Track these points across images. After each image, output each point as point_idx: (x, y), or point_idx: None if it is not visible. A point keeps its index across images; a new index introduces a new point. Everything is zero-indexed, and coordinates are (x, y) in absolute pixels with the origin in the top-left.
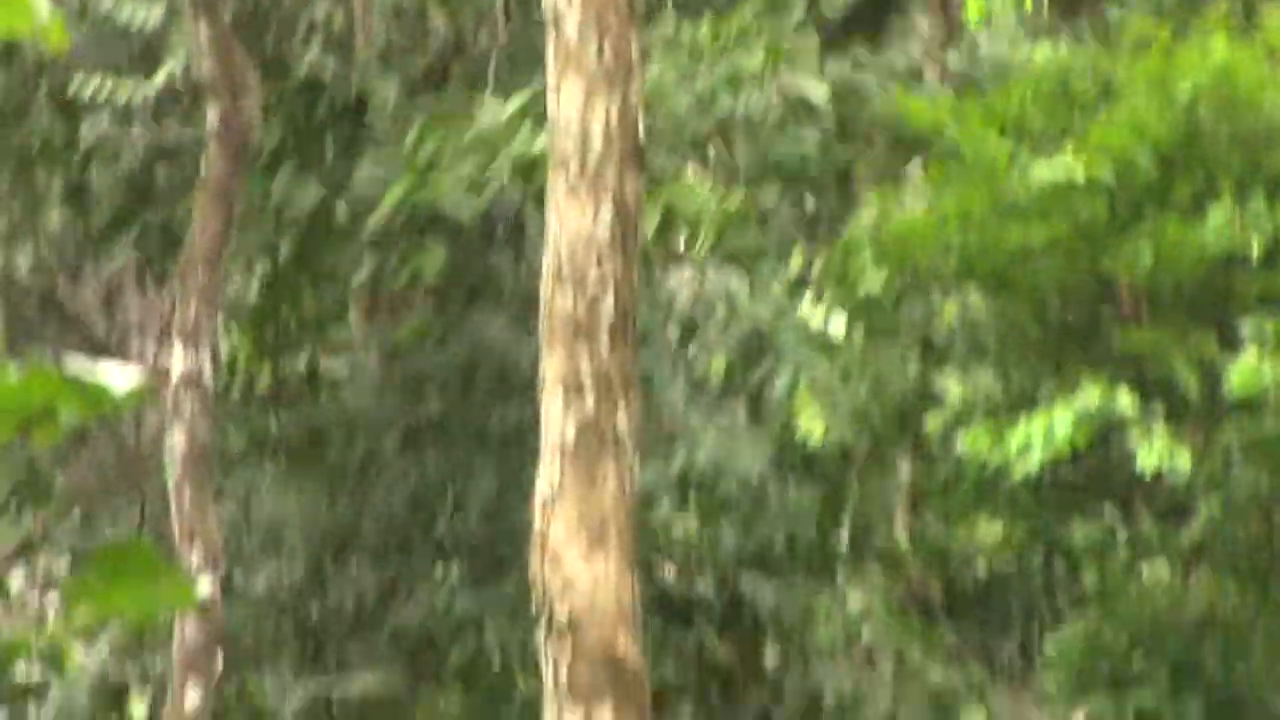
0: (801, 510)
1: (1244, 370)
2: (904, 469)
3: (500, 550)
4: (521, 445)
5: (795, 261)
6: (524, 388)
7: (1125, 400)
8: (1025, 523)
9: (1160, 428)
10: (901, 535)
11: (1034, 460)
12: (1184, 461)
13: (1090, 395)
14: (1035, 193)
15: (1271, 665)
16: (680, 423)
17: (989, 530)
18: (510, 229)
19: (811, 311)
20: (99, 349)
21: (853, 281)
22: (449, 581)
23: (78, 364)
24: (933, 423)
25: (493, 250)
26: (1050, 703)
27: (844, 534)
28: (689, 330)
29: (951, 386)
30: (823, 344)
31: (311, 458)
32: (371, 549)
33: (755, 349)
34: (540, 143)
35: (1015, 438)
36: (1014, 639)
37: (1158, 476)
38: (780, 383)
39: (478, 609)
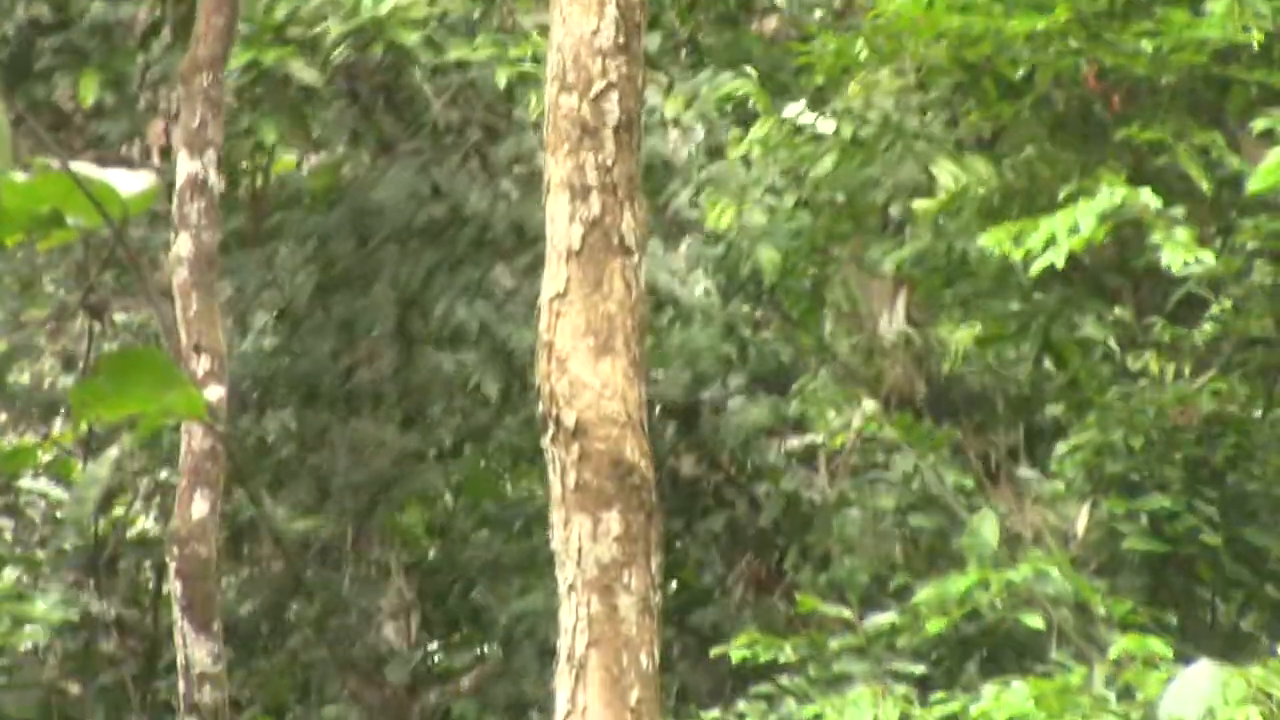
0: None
1: (1269, 167)
2: (887, 265)
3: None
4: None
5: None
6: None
7: (1149, 197)
8: (1028, 320)
9: (1182, 226)
10: (887, 332)
11: (1058, 257)
12: (1209, 257)
13: (1114, 192)
14: None
15: None
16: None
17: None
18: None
19: (797, 110)
20: (108, 159)
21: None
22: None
23: (85, 169)
24: (922, 210)
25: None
26: (1055, 505)
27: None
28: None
29: (944, 170)
30: (812, 138)
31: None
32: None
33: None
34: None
35: (1039, 232)
36: (1003, 442)
37: (1156, 275)
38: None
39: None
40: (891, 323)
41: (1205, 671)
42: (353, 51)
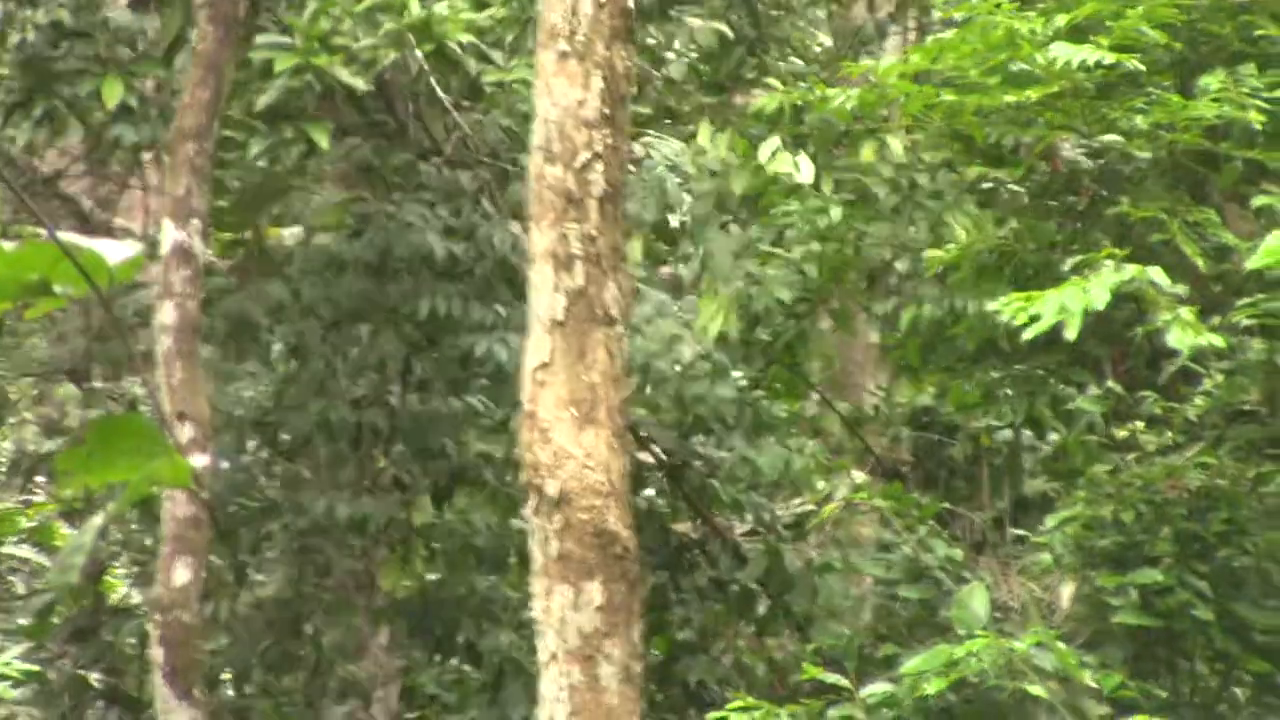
0: (741, 383)
1: (1272, 247)
2: (871, 330)
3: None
4: (446, 334)
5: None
6: (441, 276)
7: (1158, 274)
8: (1001, 383)
9: (1185, 306)
10: (870, 400)
11: (1073, 330)
12: (1219, 340)
13: (1126, 269)
14: (1046, 66)
15: (1272, 537)
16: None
17: (959, 395)
18: (411, 100)
19: (778, 158)
20: (92, 230)
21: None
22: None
23: (73, 239)
24: (932, 260)
25: (401, 137)
26: (1042, 578)
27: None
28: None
29: (960, 224)
30: (791, 190)
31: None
32: (297, 437)
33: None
34: (439, 6)
35: (1050, 302)
36: (989, 513)
37: (1140, 349)
38: (720, 261)
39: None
40: (875, 390)
41: None
42: (394, 52)
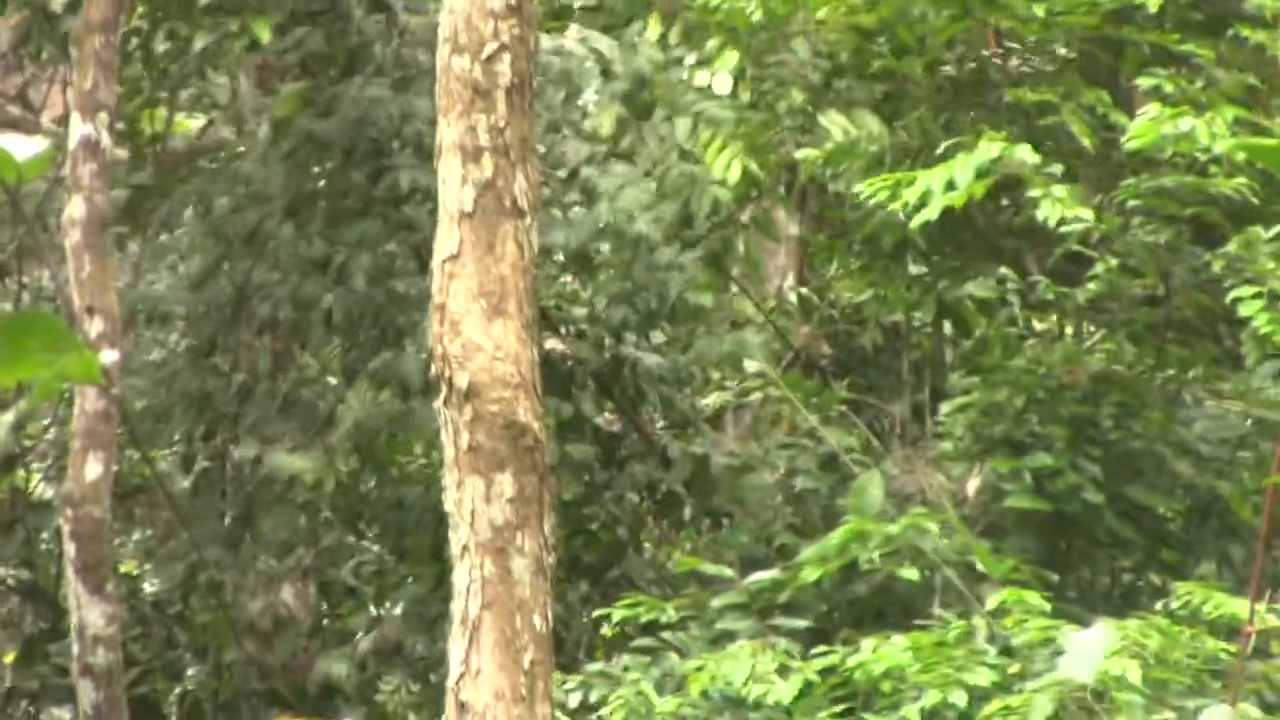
0: (686, 272)
1: (1146, 124)
2: (791, 224)
3: (391, 318)
4: (404, 214)
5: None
6: (406, 156)
7: (1026, 153)
8: (916, 279)
9: (1059, 182)
10: (789, 293)
11: (933, 210)
12: (1088, 214)
13: (990, 147)
14: None
15: (1166, 421)
16: (568, 187)
17: (866, 290)
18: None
19: (694, 68)
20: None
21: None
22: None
23: None
24: (809, 161)
25: (361, 21)
26: (945, 466)
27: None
28: (571, 93)
29: (834, 124)
30: (709, 96)
31: (198, 230)
32: (261, 322)
33: (642, 104)
34: None
35: (915, 187)
36: (904, 403)
37: (1050, 236)
38: (680, 128)
39: (366, 378)
40: (793, 285)
41: (1099, 633)
42: None
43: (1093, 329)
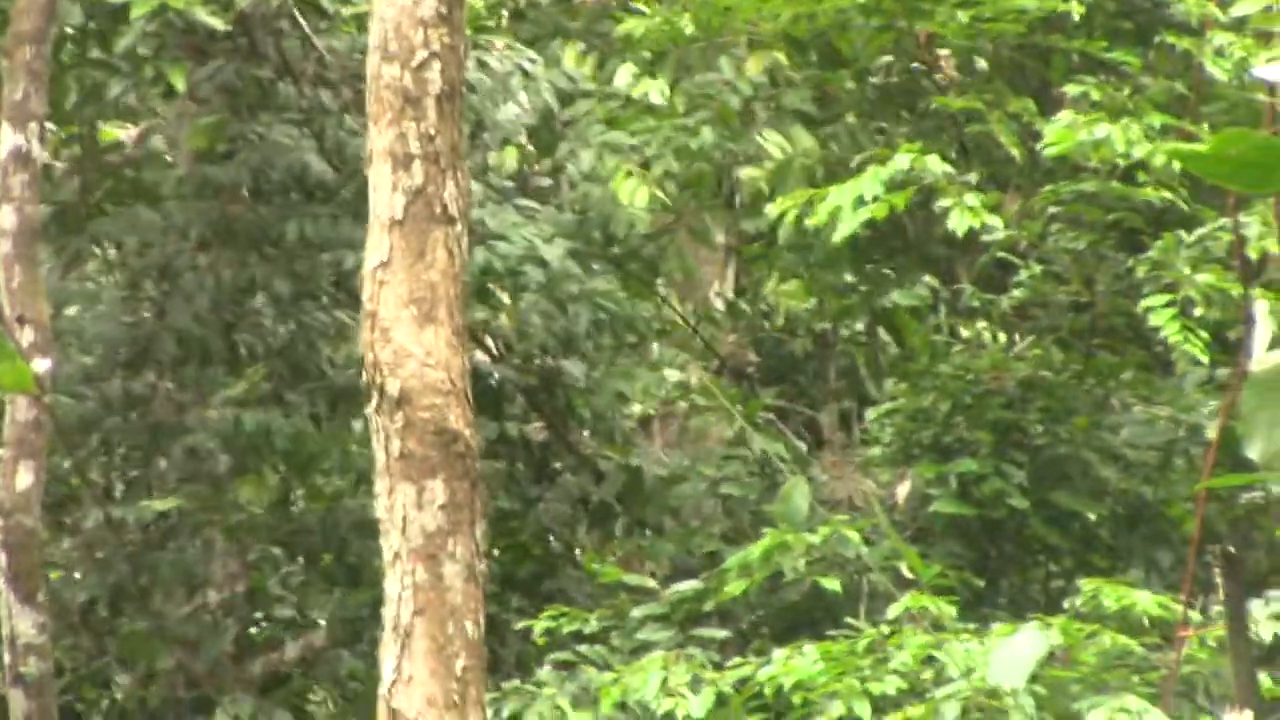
0: (607, 292)
1: (1061, 130)
2: (719, 235)
3: (299, 357)
4: (313, 254)
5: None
6: (314, 197)
7: (935, 162)
8: (843, 289)
9: (973, 191)
10: (718, 303)
11: (848, 226)
12: (998, 222)
13: (901, 159)
14: None
15: (1092, 426)
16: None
17: (807, 299)
18: (274, 35)
19: (641, 82)
20: None
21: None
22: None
23: None
24: (748, 180)
25: (263, 62)
26: (874, 472)
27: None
28: (478, 122)
29: (771, 141)
30: (640, 112)
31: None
32: (170, 359)
33: (549, 134)
34: None
35: (825, 204)
36: (833, 410)
37: (981, 244)
38: (584, 160)
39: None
40: (723, 292)
41: (1029, 639)
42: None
43: (1019, 336)
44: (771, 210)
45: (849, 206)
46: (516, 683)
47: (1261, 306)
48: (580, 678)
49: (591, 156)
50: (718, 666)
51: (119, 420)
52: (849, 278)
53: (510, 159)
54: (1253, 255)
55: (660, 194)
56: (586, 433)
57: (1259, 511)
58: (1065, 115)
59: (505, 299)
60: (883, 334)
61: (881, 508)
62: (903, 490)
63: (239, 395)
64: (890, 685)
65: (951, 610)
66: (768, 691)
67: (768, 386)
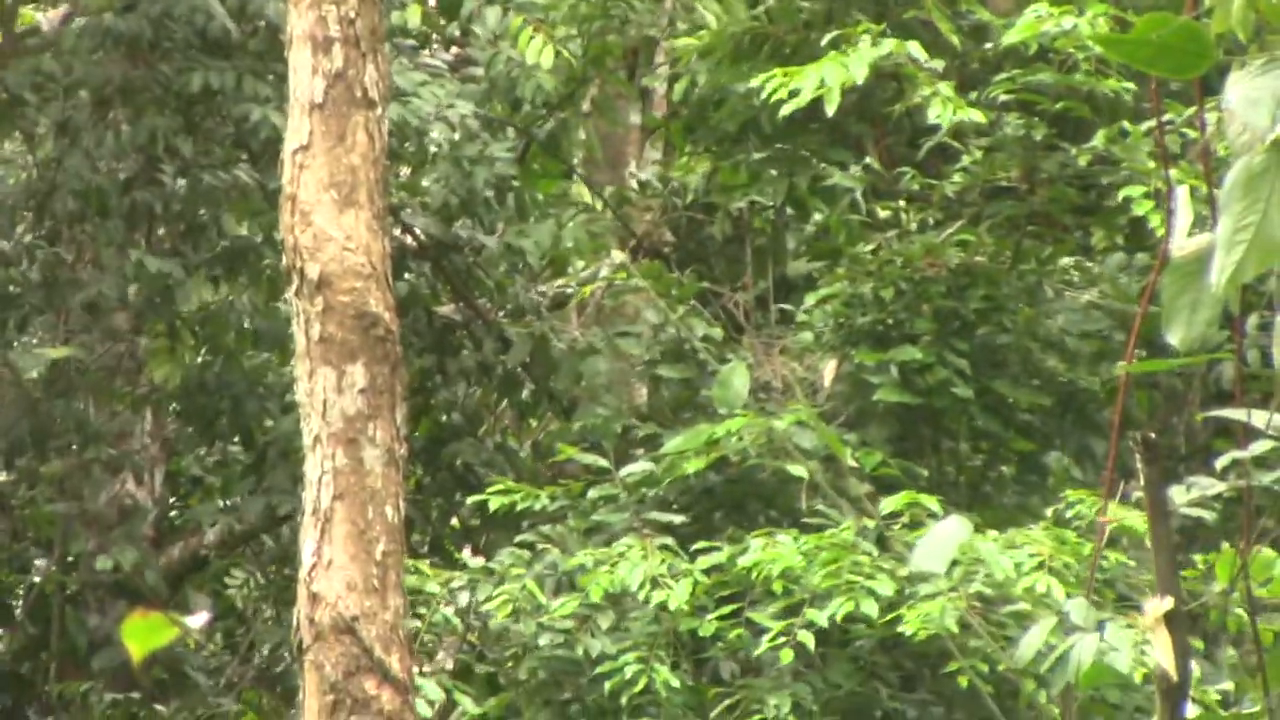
0: (507, 159)
1: (1028, 23)
2: (632, 111)
3: (198, 215)
4: (215, 111)
5: None
6: (213, 51)
7: (916, 49)
8: (761, 164)
9: (944, 81)
10: (631, 181)
11: (831, 103)
12: (977, 115)
13: (883, 43)
14: None
15: (1031, 315)
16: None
17: (727, 175)
18: None
19: None
20: None
21: None
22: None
23: None
24: (683, 48)
25: None
26: (801, 357)
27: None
28: None
29: (708, 9)
30: None
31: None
32: (68, 215)
33: None
34: None
35: (809, 78)
36: (750, 292)
37: (900, 127)
38: (489, 18)
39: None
40: (638, 171)
41: (953, 525)
42: None
43: (946, 220)
44: (759, 83)
45: (836, 86)
46: (481, 563)
47: (1182, 192)
48: (545, 559)
49: (495, 15)
50: (681, 553)
51: (11, 280)
52: (758, 155)
53: (414, 18)
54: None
55: (567, 54)
56: (496, 310)
57: (1178, 396)
58: (1039, 7)
59: (407, 168)
60: (790, 213)
61: (804, 394)
62: (828, 375)
63: (139, 257)
64: (887, 585)
65: (937, 507)
66: (754, 578)
67: (683, 268)
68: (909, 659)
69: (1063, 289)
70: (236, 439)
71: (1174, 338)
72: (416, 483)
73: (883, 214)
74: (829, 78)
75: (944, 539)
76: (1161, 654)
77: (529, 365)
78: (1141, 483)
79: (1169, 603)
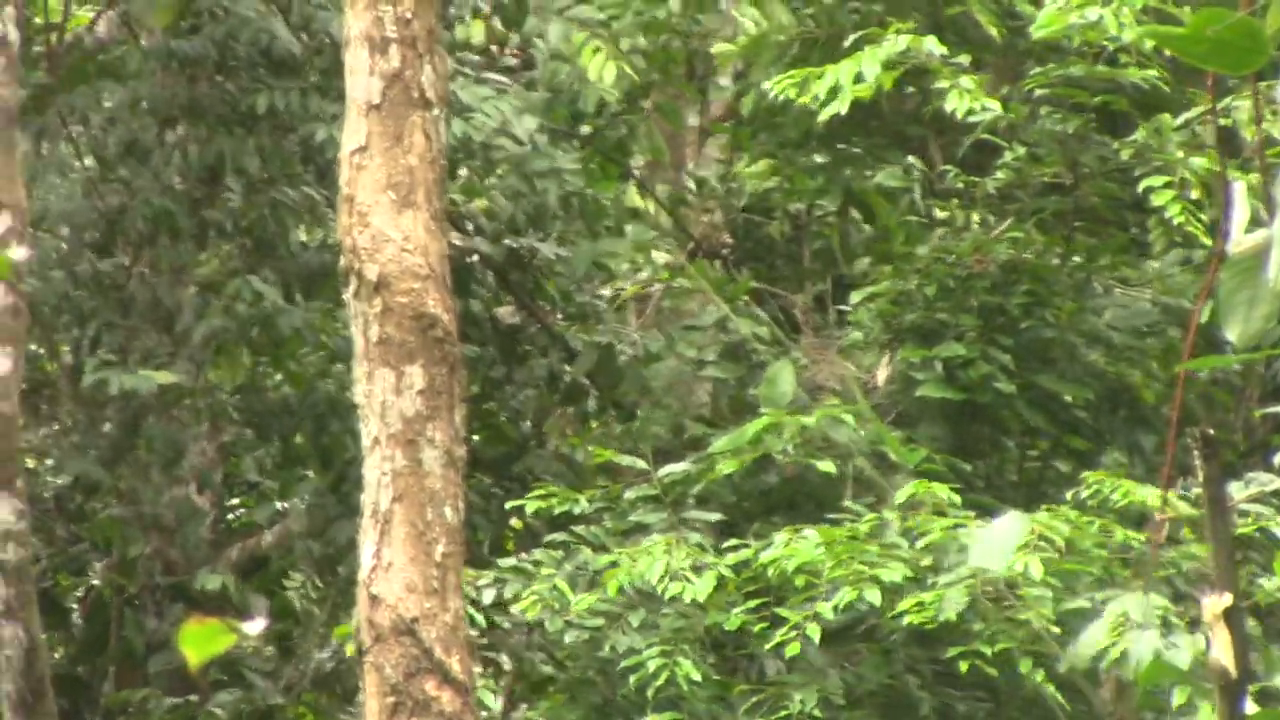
0: (575, 170)
1: (1050, 15)
2: (691, 116)
3: (268, 231)
4: (281, 131)
5: None
6: (279, 70)
7: (933, 44)
8: (821, 168)
9: (967, 73)
10: (689, 183)
11: (843, 103)
12: (994, 105)
13: (899, 39)
14: None
15: (1076, 309)
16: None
17: (773, 178)
18: None
19: None
20: None
21: None
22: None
23: None
24: (723, 56)
25: None
26: (854, 356)
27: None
28: None
29: (746, 15)
30: None
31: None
32: (139, 237)
33: (516, 8)
34: None
35: (823, 81)
36: (809, 293)
37: (956, 125)
38: (553, 33)
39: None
40: (693, 173)
41: (1010, 523)
42: None
43: (995, 219)
44: (770, 85)
45: (848, 84)
46: (514, 561)
47: (1239, 187)
48: (577, 558)
49: (558, 30)
50: (713, 550)
51: (91, 300)
52: (820, 158)
53: (478, 33)
54: (1249, 137)
55: (629, 69)
56: (560, 316)
57: (1236, 392)
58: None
59: (474, 179)
60: (856, 217)
61: (861, 392)
62: (883, 374)
63: (209, 274)
64: (896, 572)
65: (955, 497)
66: (772, 574)
67: (742, 269)
68: (940, 650)
69: (1113, 285)
70: (298, 439)
71: (1231, 334)
72: (485, 493)
73: (941, 214)
74: (842, 78)
75: (1003, 535)
76: (1220, 650)
77: (593, 373)
78: (1199, 479)
79: (1228, 598)
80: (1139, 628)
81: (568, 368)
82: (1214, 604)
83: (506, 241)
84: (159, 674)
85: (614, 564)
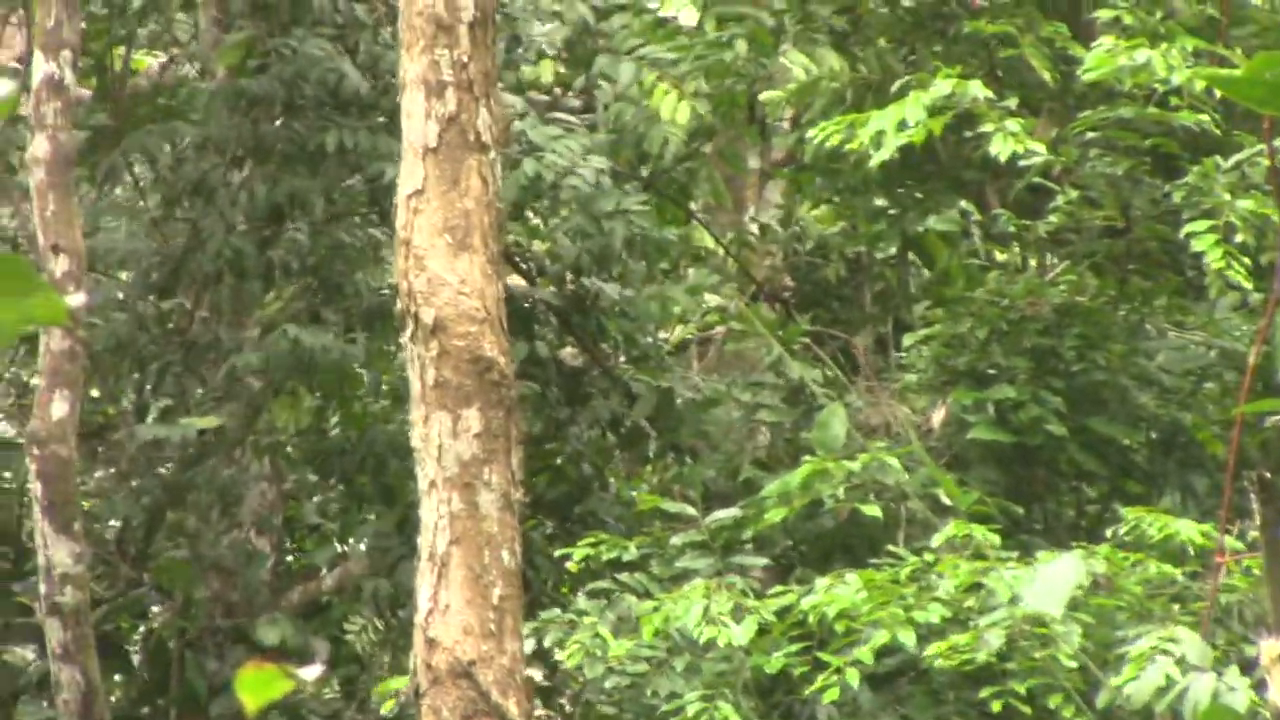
0: (640, 212)
1: (1100, 55)
2: (752, 159)
3: (334, 275)
4: (347, 170)
5: None
6: (349, 110)
7: (976, 88)
8: (875, 214)
9: (1013, 116)
10: (752, 227)
11: (887, 150)
12: (1039, 147)
13: (943, 84)
14: None
15: (1128, 352)
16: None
17: (836, 223)
18: None
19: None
20: None
21: None
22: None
23: None
24: (771, 103)
25: None
26: (909, 398)
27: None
28: (514, 36)
29: (794, 62)
30: (671, 32)
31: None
32: (204, 278)
33: (586, 49)
34: None
35: (868, 128)
36: (868, 336)
37: (1012, 169)
38: (624, 74)
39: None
40: (756, 217)
41: (1068, 565)
42: None
43: (1054, 261)
44: (814, 134)
45: (892, 130)
46: (556, 611)
47: None
48: (620, 605)
49: (630, 71)
50: (758, 595)
51: (153, 342)
52: (880, 202)
53: (546, 74)
54: None
55: (701, 110)
56: (621, 358)
57: None
58: (1106, 40)
59: (538, 220)
60: (915, 260)
61: (917, 435)
62: (938, 417)
63: (273, 315)
64: (934, 614)
65: (994, 538)
66: (811, 620)
67: (804, 312)
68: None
69: (1167, 328)
70: (362, 481)
71: None
72: (549, 535)
73: (1000, 257)
74: (886, 124)
75: (1059, 579)
76: (1278, 693)
77: (653, 417)
78: (1256, 521)
79: None
80: (1195, 669)
81: (628, 410)
82: (1272, 647)
83: (569, 284)
84: (221, 716)
85: (656, 609)
